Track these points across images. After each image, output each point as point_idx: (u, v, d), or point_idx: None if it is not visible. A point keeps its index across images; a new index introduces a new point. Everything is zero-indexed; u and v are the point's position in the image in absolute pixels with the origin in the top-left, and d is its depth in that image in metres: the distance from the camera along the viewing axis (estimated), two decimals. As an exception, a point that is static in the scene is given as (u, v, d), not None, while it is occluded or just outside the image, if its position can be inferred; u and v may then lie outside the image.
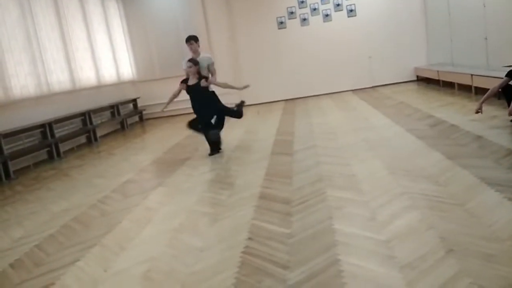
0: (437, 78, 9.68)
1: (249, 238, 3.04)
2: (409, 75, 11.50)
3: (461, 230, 2.66)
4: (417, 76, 11.39)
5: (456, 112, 6.53)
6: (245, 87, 6.28)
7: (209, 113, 5.89)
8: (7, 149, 6.65)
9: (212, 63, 6.10)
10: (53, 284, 2.80)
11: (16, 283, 2.90)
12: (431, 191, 3.40)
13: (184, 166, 5.70)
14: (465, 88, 8.29)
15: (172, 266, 2.81)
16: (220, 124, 6.09)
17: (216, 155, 5.98)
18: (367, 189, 3.70)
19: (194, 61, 5.83)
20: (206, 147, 6.15)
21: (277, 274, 2.49)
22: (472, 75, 7.70)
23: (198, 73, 5.87)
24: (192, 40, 6.00)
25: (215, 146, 6.08)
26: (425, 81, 10.87)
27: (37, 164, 7.37)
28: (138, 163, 6.39)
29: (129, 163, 6.52)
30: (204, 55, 6.14)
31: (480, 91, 7.35)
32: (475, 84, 7.67)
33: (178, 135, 8.45)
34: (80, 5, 9.82)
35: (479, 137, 4.85)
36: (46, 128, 7.63)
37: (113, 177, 5.69)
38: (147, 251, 3.12)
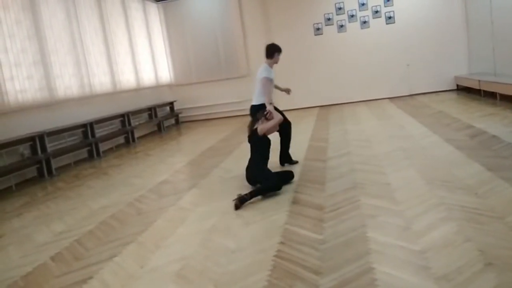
0: (478, 88, 9.37)
1: (281, 242, 3.05)
2: (448, 84, 11.21)
3: (501, 244, 2.59)
4: (457, 85, 11.08)
5: (497, 123, 6.32)
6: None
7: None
8: (50, 147, 6.94)
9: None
10: (91, 278, 2.90)
11: (56, 275, 3.03)
12: (469, 203, 3.32)
13: (218, 168, 5.78)
14: (507, 99, 8.01)
15: (205, 266, 2.86)
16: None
17: None
18: (402, 198, 3.64)
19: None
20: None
21: (308, 279, 2.49)
22: (515, 85, 7.45)
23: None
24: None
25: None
26: (465, 91, 10.56)
27: (77, 162, 7.66)
28: (173, 164, 6.53)
29: (164, 164, 6.67)
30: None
31: (524, 102, 7.10)
32: (518, 95, 7.41)
33: (212, 138, 8.58)
34: (123, 10, 10.16)
35: (522, 149, 4.68)
36: (87, 128, 7.92)
37: (149, 177, 5.84)
38: (181, 250, 3.19)
